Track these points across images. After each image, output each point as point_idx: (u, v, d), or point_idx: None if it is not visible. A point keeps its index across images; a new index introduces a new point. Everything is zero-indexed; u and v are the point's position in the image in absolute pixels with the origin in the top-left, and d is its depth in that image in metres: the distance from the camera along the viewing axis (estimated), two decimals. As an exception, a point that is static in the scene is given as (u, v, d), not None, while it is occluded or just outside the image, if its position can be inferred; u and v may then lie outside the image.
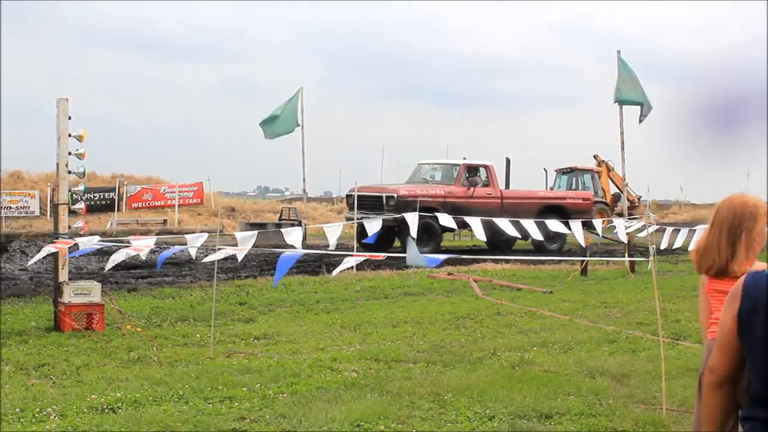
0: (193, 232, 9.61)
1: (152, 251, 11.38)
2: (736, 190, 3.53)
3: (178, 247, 9.15)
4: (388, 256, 9.54)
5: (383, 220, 12.12)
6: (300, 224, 23.70)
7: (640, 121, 21.43)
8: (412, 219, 11.25)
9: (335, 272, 8.17)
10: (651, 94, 21.53)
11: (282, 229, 9.02)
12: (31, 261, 10.75)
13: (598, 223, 13.34)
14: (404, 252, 9.09)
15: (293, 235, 8.55)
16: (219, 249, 8.36)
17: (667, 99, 20.62)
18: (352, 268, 15.26)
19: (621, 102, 21.24)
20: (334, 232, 9.25)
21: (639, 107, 21.53)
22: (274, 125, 25.69)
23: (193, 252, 8.81)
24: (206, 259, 8.76)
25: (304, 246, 21.02)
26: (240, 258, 8.81)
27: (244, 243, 8.65)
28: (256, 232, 9.21)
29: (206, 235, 8.99)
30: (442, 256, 8.20)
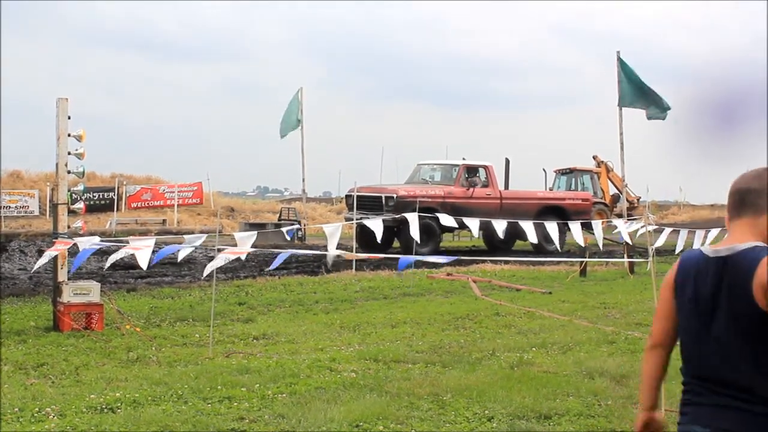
0: (192, 232, 9.60)
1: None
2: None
3: (175, 246, 9.14)
4: (387, 257, 9.54)
5: (383, 221, 12.11)
6: (299, 224, 23.75)
7: (662, 118, 20.72)
8: (412, 219, 11.25)
9: (331, 254, 8.11)
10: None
11: (282, 229, 9.05)
12: (36, 265, 10.68)
13: (597, 226, 13.31)
14: (404, 254, 9.08)
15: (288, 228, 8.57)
16: (219, 250, 8.35)
17: (668, 99, 20.53)
18: (351, 267, 15.28)
19: (625, 107, 21.04)
20: (333, 232, 9.25)
21: (646, 110, 21.18)
22: (285, 124, 25.97)
23: (186, 252, 8.77)
24: (206, 271, 8.67)
25: (304, 246, 21.08)
26: (242, 258, 8.82)
27: (244, 243, 8.64)
28: (255, 232, 9.21)
29: (204, 236, 8.96)
30: (445, 258, 8.20)
